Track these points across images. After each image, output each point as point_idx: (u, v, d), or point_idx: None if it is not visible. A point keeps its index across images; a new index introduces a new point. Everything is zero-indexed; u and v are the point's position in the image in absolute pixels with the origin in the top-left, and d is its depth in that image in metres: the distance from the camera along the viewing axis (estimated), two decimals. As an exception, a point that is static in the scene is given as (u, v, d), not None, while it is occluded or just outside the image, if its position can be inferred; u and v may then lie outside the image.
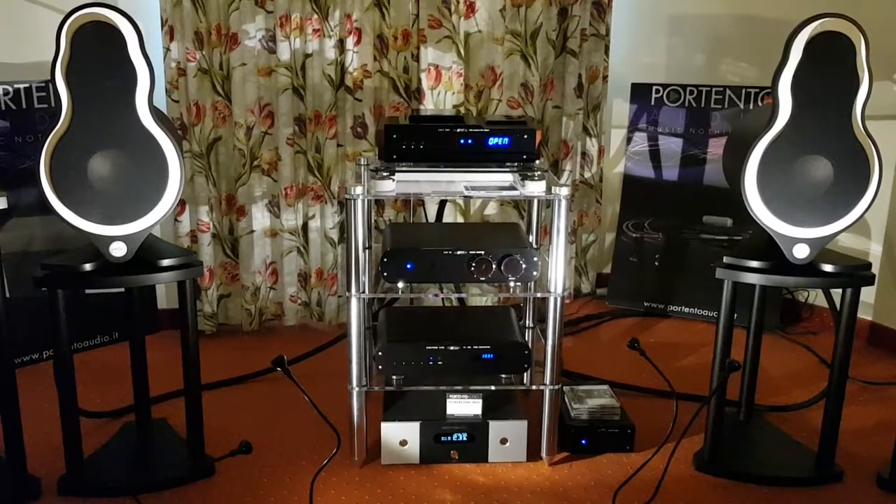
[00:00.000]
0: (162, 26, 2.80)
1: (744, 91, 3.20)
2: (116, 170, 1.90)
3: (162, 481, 2.09)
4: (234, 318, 3.14)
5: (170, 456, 2.21)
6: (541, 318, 2.31)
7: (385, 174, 2.07)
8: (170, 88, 2.85)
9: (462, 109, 3.05)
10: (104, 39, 1.84)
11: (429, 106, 3.02)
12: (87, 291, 2.86)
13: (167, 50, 2.81)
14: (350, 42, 2.91)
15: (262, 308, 3.12)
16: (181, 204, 2.93)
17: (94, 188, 1.89)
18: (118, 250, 1.93)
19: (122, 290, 2.16)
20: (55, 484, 2.05)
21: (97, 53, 1.85)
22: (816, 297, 3.23)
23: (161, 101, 2.83)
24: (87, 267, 1.93)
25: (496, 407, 2.26)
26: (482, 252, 2.07)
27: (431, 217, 3.09)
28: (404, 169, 2.17)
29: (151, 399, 2.35)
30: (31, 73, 2.70)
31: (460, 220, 3.17)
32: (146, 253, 1.97)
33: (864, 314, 2.98)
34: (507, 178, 2.21)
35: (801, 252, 2.00)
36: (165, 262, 1.98)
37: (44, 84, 2.71)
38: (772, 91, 1.93)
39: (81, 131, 1.86)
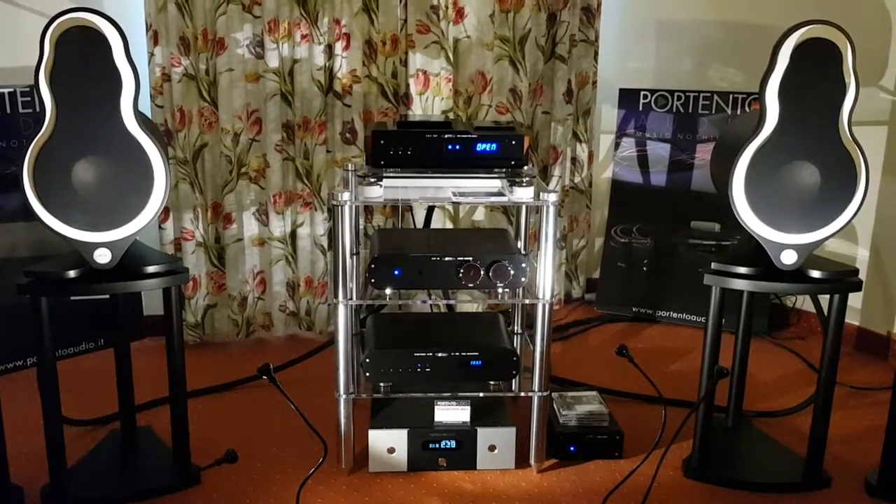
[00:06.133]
0: (146, 31, 2.78)
1: (731, 96, 3.21)
2: (101, 176, 1.88)
3: (147, 490, 2.06)
4: (220, 328, 3.10)
5: (155, 464, 2.19)
6: (529, 324, 2.30)
7: (372, 180, 2.06)
8: (154, 94, 2.83)
9: (451, 115, 3.05)
10: (89, 44, 1.83)
11: (417, 111, 3.01)
12: (72, 298, 2.83)
13: (151, 55, 2.79)
14: (339, 47, 2.90)
15: (250, 318, 3.09)
16: (165, 211, 2.91)
17: (79, 194, 1.87)
18: (103, 257, 1.91)
19: (107, 297, 2.14)
20: (38, 493, 2.03)
21: (82, 58, 1.83)
22: (804, 302, 3.24)
23: (146, 108, 2.81)
24: (72, 274, 1.91)
25: (484, 414, 2.25)
26: (470, 258, 2.07)
27: (420, 223, 3.08)
28: (392, 175, 2.16)
29: (136, 407, 2.33)
30: (15, 77, 2.67)
31: (449, 225, 3.16)
32: (131, 260, 1.95)
33: (851, 319, 2.99)
34: (495, 183, 2.21)
35: (788, 258, 2.00)
36: (150, 269, 1.96)
37: (28, 89, 2.69)
38: (759, 97, 1.93)
39: (66, 137, 1.85)
